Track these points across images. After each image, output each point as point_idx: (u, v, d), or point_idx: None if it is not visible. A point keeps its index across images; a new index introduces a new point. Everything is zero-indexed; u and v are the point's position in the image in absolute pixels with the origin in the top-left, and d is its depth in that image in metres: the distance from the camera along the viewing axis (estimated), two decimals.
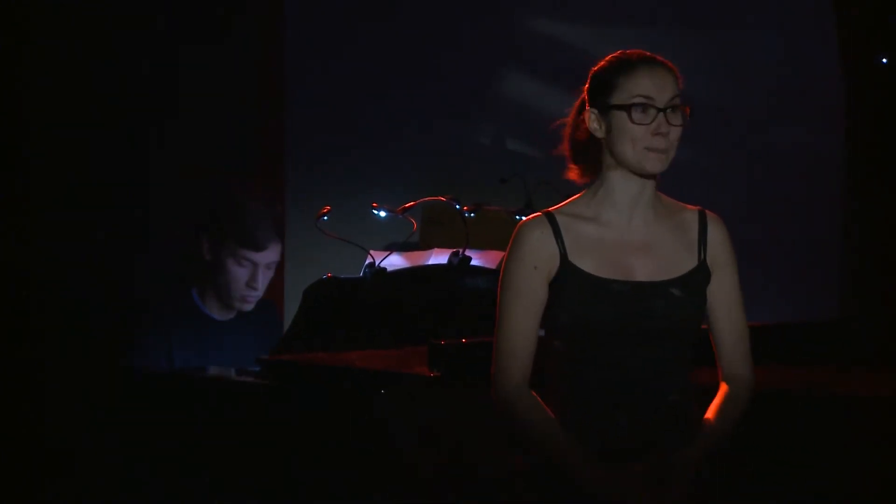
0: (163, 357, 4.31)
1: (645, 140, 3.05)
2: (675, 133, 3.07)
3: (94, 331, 4.99)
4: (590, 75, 3.14)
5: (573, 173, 3.18)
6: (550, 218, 3.10)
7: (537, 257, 3.08)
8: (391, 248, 4.25)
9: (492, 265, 4.29)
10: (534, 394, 3.07)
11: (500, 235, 4.39)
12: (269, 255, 4.39)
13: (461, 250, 4.16)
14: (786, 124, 6.10)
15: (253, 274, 4.37)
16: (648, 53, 3.11)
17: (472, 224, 4.28)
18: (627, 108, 3.05)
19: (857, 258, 5.82)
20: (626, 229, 3.11)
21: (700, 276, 3.12)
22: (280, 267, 5.71)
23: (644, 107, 3.05)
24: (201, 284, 4.43)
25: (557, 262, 3.07)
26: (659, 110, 3.05)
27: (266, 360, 3.82)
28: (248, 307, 4.43)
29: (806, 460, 3.29)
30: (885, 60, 5.67)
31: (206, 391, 3.87)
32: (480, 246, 4.32)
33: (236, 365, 4.20)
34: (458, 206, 4.30)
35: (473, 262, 4.20)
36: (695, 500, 3.02)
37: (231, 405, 3.75)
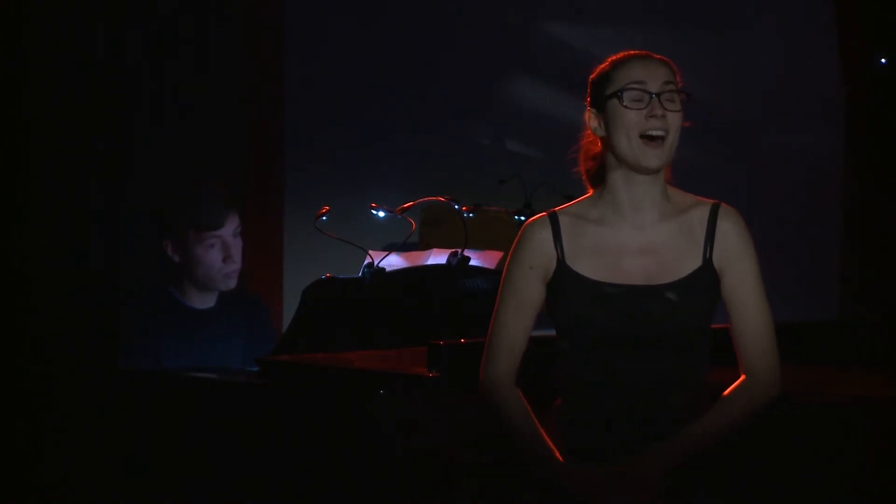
0: (150, 357, 4.32)
1: (639, 125, 3.04)
2: (674, 119, 3.06)
3: (81, 334, 4.98)
4: (588, 83, 3.15)
5: (590, 188, 3.18)
6: (553, 218, 3.12)
7: (534, 259, 3.10)
8: (390, 248, 4.24)
9: (490, 265, 4.29)
10: (518, 391, 3.10)
11: (498, 236, 4.39)
12: (230, 226, 4.43)
13: (460, 250, 4.15)
14: (786, 124, 6.10)
15: (225, 250, 4.41)
16: (641, 51, 3.13)
17: (471, 224, 4.28)
18: (619, 94, 3.05)
19: (857, 259, 5.81)
20: (628, 231, 3.11)
21: (703, 277, 3.09)
22: (279, 267, 5.71)
23: (636, 91, 3.05)
24: (177, 282, 4.46)
25: (554, 264, 3.09)
26: (651, 94, 3.05)
27: (265, 360, 3.82)
28: (232, 283, 4.45)
29: (805, 461, 3.28)
30: (884, 60, 5.67)
31: (205, 391, 3.87)
32: (479, 246, 4.31)
33: (224, 360, 4.22)
34: (456, 207, 4.30)
35: (472, 263, 4.19)
36: (671, 498, 3.01)
37: (230, 405, 3.75)
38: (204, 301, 4.48)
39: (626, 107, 3.05)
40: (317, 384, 3.59)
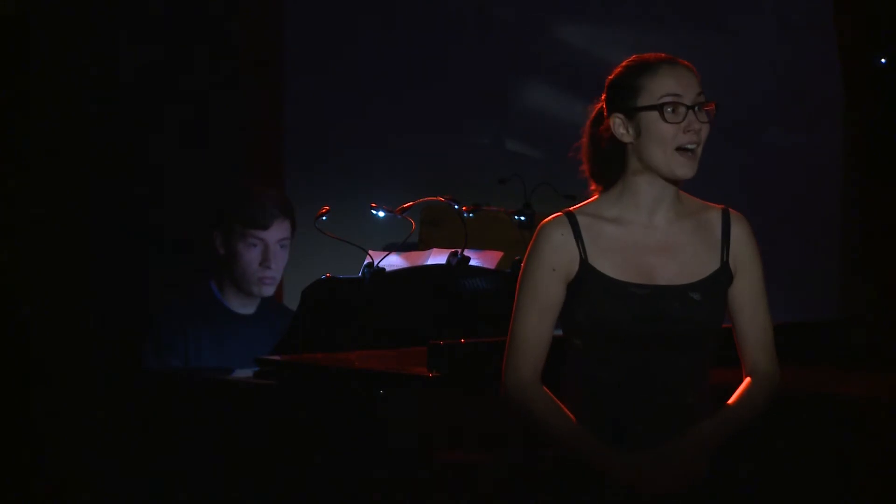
0: (180, 356, 4.33)
1: (676, 139, 3.06)
2: (705, 130, 3.09)
3: (109, 332, 5.01)
4: (607, 83, 3.14)
5: (596, 186, 3.18)
6: (571, 218, 3.11)
7: (557, 259, 3.09)
8: (390, 248, 4.24)
9: (491, 265, 4.28)
10: (545, 389, 3.09)
11: (498, 236, 4.39)
12: (277, 232, 4.46)
13: (460, 250, 4.15)
14: (785, 124, 6.10)
15: (264, 253, 4.44)
16: (665, 55, 3.11)
17: (471, 224, 4.27)
18: (659, 108, 3.05)
19: (857, 258, 5.81)
20: (648, 231, 3.12)
21: (722, 278, 3.12)
22: None
23: (674, 105, 3.06)
24: (219, 278, 4.49)
25: (577, 265, 3.08)
26: (688, 107, 3.06)
27: (265, 360, 3.82)
28: (268, 290, 4.47)
29: (805, 461, 3.28)
30: (884, 60, 5.67)
31: (205, 391, 3.86)
32: (479, 246, 4.31)
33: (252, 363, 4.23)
34: (456, 207, 4.29)
35: (472, 263, 4.19)
36: (708, 483, 3.03)
37: (230, 405, 3.75)
38: (243, 306, 4.49)
39: (667, 121, 3.06)
40: (317, 384, 3.59)
